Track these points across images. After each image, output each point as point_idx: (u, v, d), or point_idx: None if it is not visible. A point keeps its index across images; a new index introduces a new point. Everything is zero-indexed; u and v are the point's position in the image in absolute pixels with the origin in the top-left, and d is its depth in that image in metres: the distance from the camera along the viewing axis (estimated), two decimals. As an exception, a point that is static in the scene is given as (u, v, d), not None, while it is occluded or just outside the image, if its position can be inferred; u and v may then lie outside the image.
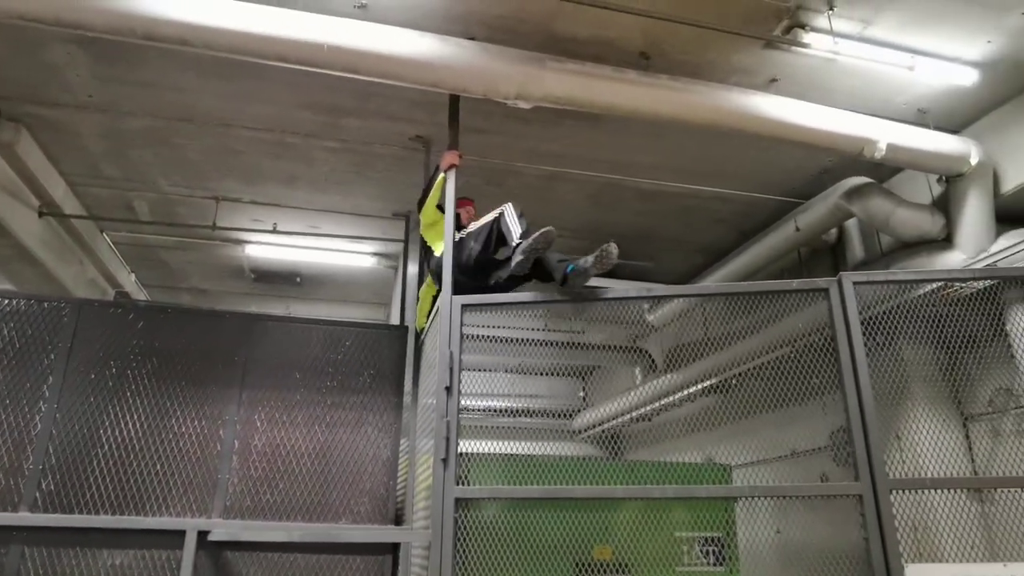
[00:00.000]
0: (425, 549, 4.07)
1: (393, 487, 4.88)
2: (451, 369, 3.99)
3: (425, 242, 5.22)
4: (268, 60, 4.89)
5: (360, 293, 11.21)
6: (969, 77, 5.82)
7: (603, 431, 12.25)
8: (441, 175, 4.93)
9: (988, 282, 5.32)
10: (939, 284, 5.29)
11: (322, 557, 4.49)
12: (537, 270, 4.40)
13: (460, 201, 5.42)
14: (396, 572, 4.62)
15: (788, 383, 4.47)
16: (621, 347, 10.51)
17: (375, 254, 9.57)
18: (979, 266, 6.27)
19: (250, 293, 11.16)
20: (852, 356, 3.91)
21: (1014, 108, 6.25)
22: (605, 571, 4.79)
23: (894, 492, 3.70)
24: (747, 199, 8.01)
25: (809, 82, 6.04)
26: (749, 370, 7.70)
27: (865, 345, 3.93)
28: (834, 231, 8.16)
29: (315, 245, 9.31)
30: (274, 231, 8.84)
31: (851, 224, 8.04)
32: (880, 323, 4.36)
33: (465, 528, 3.76)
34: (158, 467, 4.59)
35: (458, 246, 4.66)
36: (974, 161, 6.20)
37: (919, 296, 5.31)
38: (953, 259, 6.48)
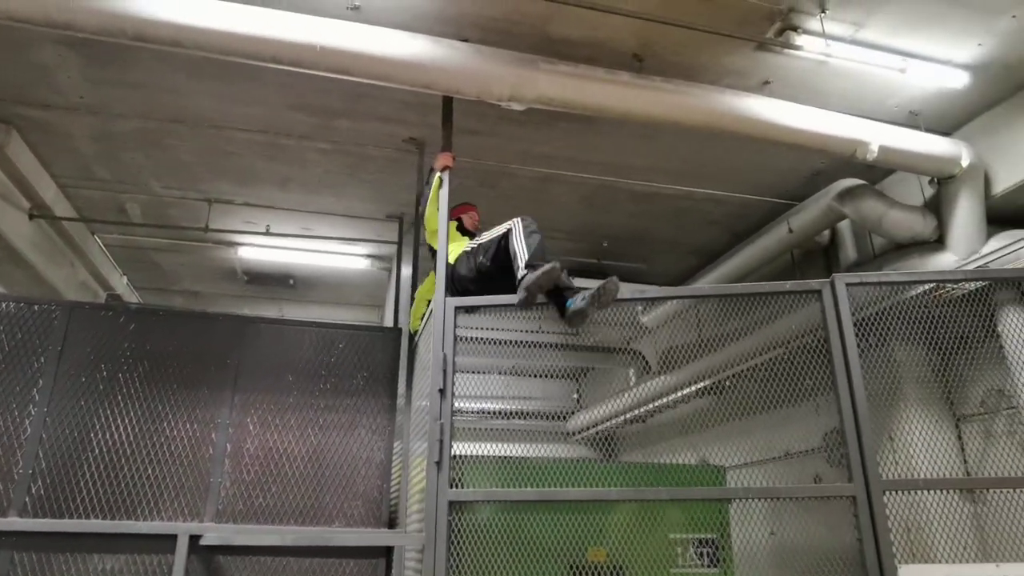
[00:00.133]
0: (419, 553, 4.05)
1: (387, 490, 4.87)
2: (444, 371, 3.98)
3: (433, 249, 5.10)
4: (261, 61, 4.87)
5: (353, 295, 11.19)
6: (960, 79, 5.84)
7: (597, 433, 12.26)
8: (437, 175, 4.91)
9: (980, 283, 5.35)
10: (931, 285, 5.31)
11: (315, 561, 4.46)
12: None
13: (463, 207, 5.39)
14: (390, 576, 4.61)
15: (782, 384, 4.47)
16: (615, 349, 10.51)
17: (368, 256, 9.55)
18: (971, 267, 6.30)
19: (243, 295, 11.13)
20: (845, 357, 3.91)
21: (1005, 110, 6.28)
22: (599, 573, 4.78)
23: (887, 493, 3.71)
24: (740, 201, 8.03)
25: (801, 84, 6.06)
26: (743, 372, 7.71)
27: (858, 346, 3.93)
28: (827, 233, 8.18)
29: (308, 247, 9.29)
30: (267, 233, 8.81)
31: (844, 226, 8.06)
32: (873, 324, 4.37)
33: (459, 531, 3.75)
34: (149, 471, 4.56)
35: (469, 256, 4.62)
36: (965, 163, 6.22)
37: (911, 297, 5.33)
38: (945, 260, 6.51)
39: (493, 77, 5.17)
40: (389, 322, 7.94)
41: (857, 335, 3.97)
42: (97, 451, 4.51)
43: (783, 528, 4.28)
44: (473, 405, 11.37)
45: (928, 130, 6.37)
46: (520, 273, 4.13)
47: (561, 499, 4.15)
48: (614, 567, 4.81)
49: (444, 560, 3.60)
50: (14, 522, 4.20)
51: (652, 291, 4.59)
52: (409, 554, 4.71)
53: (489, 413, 12.06)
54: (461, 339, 4.15)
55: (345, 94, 6.11)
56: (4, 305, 4.69)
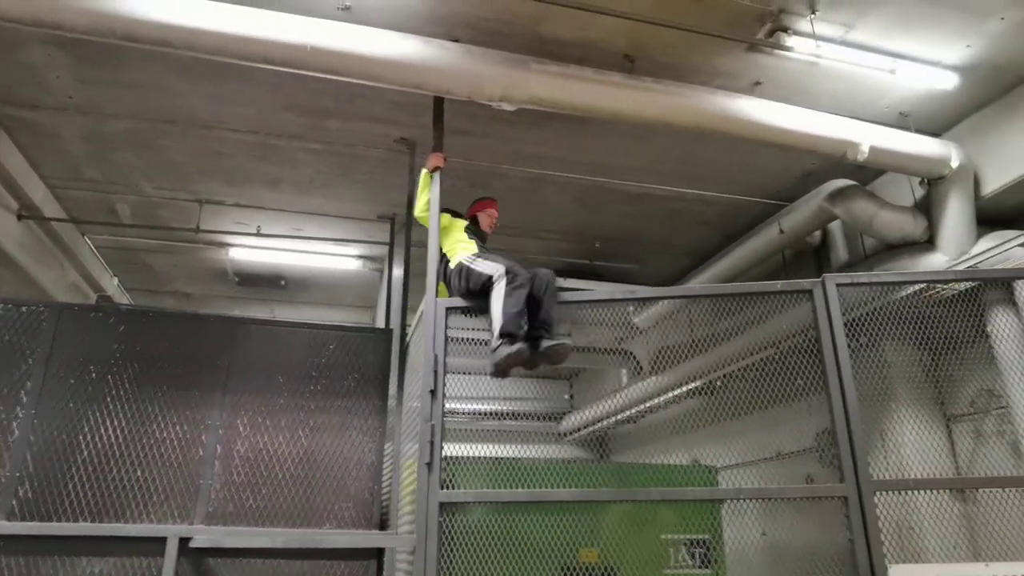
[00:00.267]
0: (410, 554, 4.04)
1: (378, 492, 4.85)
2: (435, 372, 3.97)
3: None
4: (252, 62, 4.85)
5: (345, 296, 11.16)
6: (949, 81, 5.87)
7: (590, 433, 12.27)
8: (424, 172, 4.87)
9: (969, 284, 5.38)
10: (922, 286, 5.34)
11: (306, 563, 4.45)
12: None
13: (483, 202, 5.20)
14: (381, 577, 4.59)
15: (773, 385, 4.48)
16: (607, 350, 10.52)
17: (360, 257, 9.53)
18: (961, 268, 6.33)
19: (235, 297, 11.08)
20: (836, 357, 3.92)
21: (993, 112, 6.31)
22: (592, 574, 4.78)
23: (878, 493, 3.71)
24: (732, 202, 8.04)
25: (792, 85, 6.07)
26: (735, 372, 7.73)
27: (849, 346, 3.94)
28: (818, 233, 8.21)
29: (299, 248, 9.26)
30: (258, 234, 8.78)
31: (835, 226, 8.09)
32: (864, 324, 4.38)
33: (450, 532, 3.74)
34: (139, 473, 4.53)
35: (459, 274, 4.48)
36: (955, 164, 6.25)
37: (902, 298, 5.36)
38: (935, 261, 6.54)
39: (484, 77, 5.17)
40: (381, 323, 7.91)
41: (848, 335, 3.98)
42: (86, 453, 4.48)
43: (775, 529, 4.29)
44: (465, 406, 11.33)
45: (918, 131, 6.40)
46: (495, 342, 4.07)
47: (552, 500, 4.14)
48: (606, 568, 4.81)
49: (435, 562, 3.59)
50: (1, 526, 4.17)
51: (642, 291, 4.58)
52: (400, 556, 4.70)
53: (481, 414, 12.04)
54: (453, 340, 4.15)
55: (336, 94, 6.09)
56: (-9, 307, 4.66)
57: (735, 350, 7.44)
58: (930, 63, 5.76)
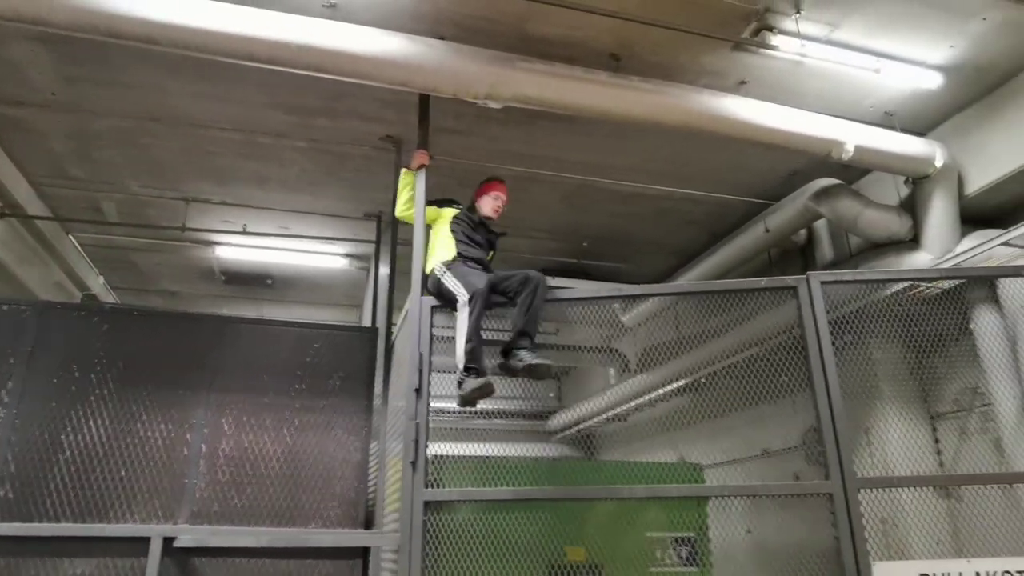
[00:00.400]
0: (395, 553, 4.03)
1: (363, 491, 4.84)
2: (420, 370, 3.96)
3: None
4: (237, 59, 4.82)
5: (332, 295, 11.12)
6: (934, 80, 5.91)
7: (577, 432, 12.29)
8: (404, 170, 4.84)
9: (954, 282, 5.42)
10: (906, 284, 5.37)
11: (292, 562, 4.43)
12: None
13: (490, 184, 5.00)
14: (367, 576, 4.58)
15: (759, 382, 4.50)
16: (595, 348, 10.53)
17: (346, 255, 9.50)
18: (945, 266, 6.37)
19: (221, 295, 11.02)
20: (821, 355, 3.93)
21: (976, 112, 6.35)
22: (578, 572, 4.78)
23: (863, 490, 3.73)
24: (719, 201, 8.06)
25: (778, 84, 6.09)
26: (721, 370, 7.76)
27: (834, 344, 3.96)
28: (803, 232, 8.25)
29: (286, 246, 9.22)
30: (244, 232, 8.73)
31: (820, 225, 8.13)
32: (849, 323, 4.41)
33: (435, 531, 3.73)
34: (122, 473, 4.50)
35: (438, 278, 4.33)
36: (939, 163, 6.29)
37: (887, 296, 5.40)
38: (920, 259, 6.58)
39: (470, 75, 5.15)
40: (367, 322, 7.89)
41: (834, 333, 4.00)
42: (68, 453, 4.45)
43: (761, 526, 4.31)
44: (450, 405, 11.31)
45: (903, 130, 6.43)
46: (459, 375, 3.99)
47: (537, 498, 4.14)
48: (593, 566, 4.81)
49: (419, 561, 3.58)
50: (-18, 526, 4.13)
51: (629, 289, 4.59)
52: (386, 555, 4.68)
53: (467, 413, 12.02)
54: (438, 338, 4.14)
55: (323, 92, 6.06)
56: (-28, 305, 4.61)
57: (722, 348, 7.46)
58: (914, 63, 5.80)
